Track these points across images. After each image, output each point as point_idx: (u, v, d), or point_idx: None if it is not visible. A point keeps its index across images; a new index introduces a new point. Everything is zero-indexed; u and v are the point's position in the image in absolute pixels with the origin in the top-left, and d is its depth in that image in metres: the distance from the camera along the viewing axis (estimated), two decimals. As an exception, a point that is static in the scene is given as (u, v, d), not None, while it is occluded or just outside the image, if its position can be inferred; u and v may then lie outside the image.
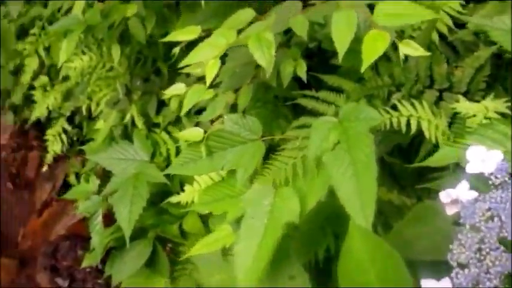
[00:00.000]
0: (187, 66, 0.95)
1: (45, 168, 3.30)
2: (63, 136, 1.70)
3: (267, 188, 0.93)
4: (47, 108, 1.70)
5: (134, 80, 1.44)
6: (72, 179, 1.88)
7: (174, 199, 1.23)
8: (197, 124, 1.17)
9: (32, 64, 1.82)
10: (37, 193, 3.15)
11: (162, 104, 1.44)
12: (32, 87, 1.89)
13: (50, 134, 1.71)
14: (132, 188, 1.23)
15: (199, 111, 1.19)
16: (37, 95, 1.75)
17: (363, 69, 0.73)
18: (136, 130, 1.41)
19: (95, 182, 1.43)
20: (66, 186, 3.09)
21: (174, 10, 1.26)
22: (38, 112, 1.74)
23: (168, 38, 0.91)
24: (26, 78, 1.85)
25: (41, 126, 3.10)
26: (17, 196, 3.19)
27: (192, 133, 1.00)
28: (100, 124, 1.44)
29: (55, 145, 1.69)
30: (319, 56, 1.10)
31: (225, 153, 0.98)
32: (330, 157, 0.82)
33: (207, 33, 0.91)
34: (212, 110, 0.99)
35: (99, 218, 1.33)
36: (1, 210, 3.14)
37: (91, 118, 1.69)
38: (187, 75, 1.50)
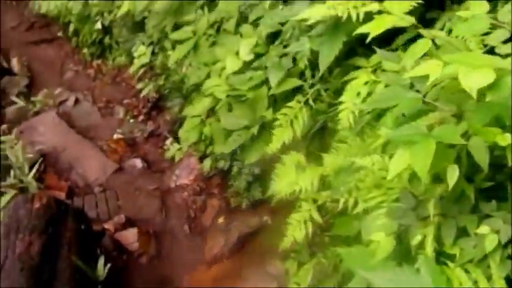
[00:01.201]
0: None
1: (221, 220, 3.23)
2: (309, 224, 1.53)
3: None
4: (297, 190, 1.55)
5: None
6: (293, 266, 1.70)
7: None
8: None
9: (283, 135, 1.71)
10: (209, 243, 3.06)
11: (462, 233, 1.20)
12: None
13: (295, 218, 1.54)
14: None
15: None
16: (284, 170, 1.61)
17: None
18: (424, 257, 1.18)
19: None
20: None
21: None
22: (282, 190, 1.59)
23: None
24: (272, 147, 1.74)
25: (225, 175, 3.06)
26: (190, 241, 3.15)
27: None
28: (379, 236, 1.23)
29: (297, 231, 1.52)
30: None
31: None
32: None
33: None
34: None
35: None
36: (173, 253, 3.12)
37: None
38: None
